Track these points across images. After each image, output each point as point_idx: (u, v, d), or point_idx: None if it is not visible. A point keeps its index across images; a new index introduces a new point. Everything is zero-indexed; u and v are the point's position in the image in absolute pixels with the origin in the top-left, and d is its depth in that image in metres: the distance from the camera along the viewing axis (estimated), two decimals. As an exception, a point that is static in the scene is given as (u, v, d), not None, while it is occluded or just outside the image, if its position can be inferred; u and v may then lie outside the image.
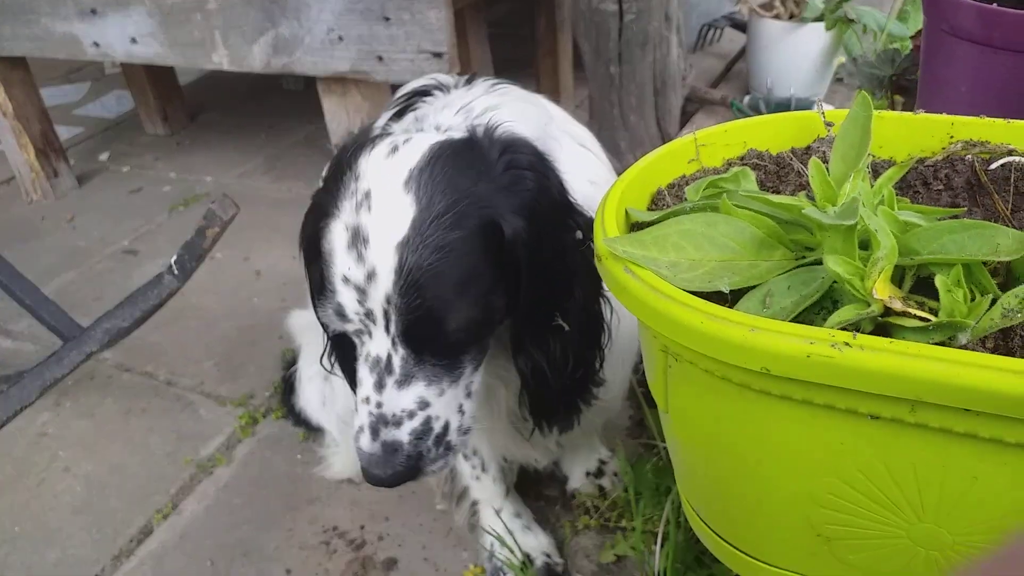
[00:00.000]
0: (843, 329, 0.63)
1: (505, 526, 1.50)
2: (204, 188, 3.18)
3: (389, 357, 0.97)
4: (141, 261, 2.73)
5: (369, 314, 0.95)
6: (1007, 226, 0.77)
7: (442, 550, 1.56)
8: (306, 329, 1.69)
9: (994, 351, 0.64)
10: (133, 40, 2.67)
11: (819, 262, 0.70)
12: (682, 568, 1.33)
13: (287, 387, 1.86)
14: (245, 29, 2.45)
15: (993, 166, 0.82)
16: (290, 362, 1.86)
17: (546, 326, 1.05)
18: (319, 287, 0.99)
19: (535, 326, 1.04)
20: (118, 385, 2.16)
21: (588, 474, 1.62)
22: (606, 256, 0.75)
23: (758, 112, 2.48)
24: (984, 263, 0.68)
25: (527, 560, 1.47)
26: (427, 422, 0.99)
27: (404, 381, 0.98)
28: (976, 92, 1.33)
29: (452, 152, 0.96)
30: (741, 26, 2.88)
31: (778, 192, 0.85)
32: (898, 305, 0.64)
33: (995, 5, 1.33)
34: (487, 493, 1.51)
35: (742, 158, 0.90)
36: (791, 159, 0.86)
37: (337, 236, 0.94)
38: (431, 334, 0.96)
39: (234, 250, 2.66)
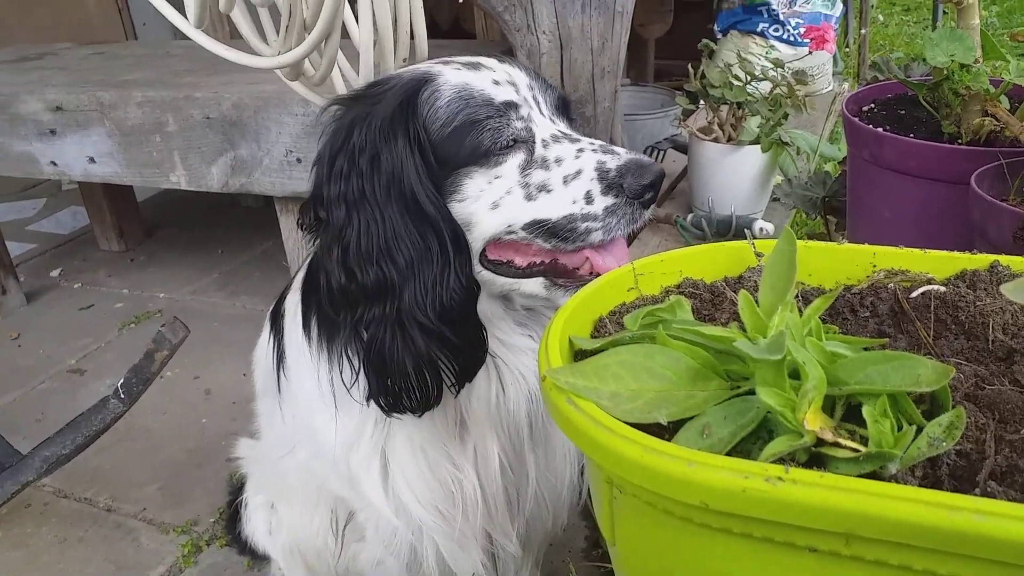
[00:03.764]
0: (778, 460, 0.64)
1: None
2: (157, 305, 3.15)
3: (559, 130, 1.19)
4: (87, 380, 2.67)
5: (525, 101, 1.17)
6: (929, 353, 0.81)
7: None
8: (253, 460, 1.66)
9: (923, 479, 0.66)
10: (91, 160, 2.70)
11: (753, 391, 0.72)
12: None
13: (233, 514, 1.80)
14: (204, 150, 2.50)
15: (914, 294, 0.87)
16: (238, 486, 1.81)
17: None
18: (450, 127, 1.13)
19: None
20: (55, 513, 2.07)
21: None
22: (550, 387, 0.76)
23: (701, 229, 2.57)
24: (908, 392, 0.70)
25: None
26: None
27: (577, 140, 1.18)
28: (898, 217, 1.41)
29: None
30: (683, 148, 3.02)
31: (713, 319, 0.88)
32: (829, 436, 0.66)
33: (912, 136, 1.44)
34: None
35: (678, 286, 0.93)
36: (724, 288, 0.90)
37: (454, 75, 1.16)
38: (568, 104, 1.26)
39: (184, 368, 2.63)
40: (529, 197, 1.13)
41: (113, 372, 2.62)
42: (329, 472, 1.30)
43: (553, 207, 1.12)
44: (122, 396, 1.75)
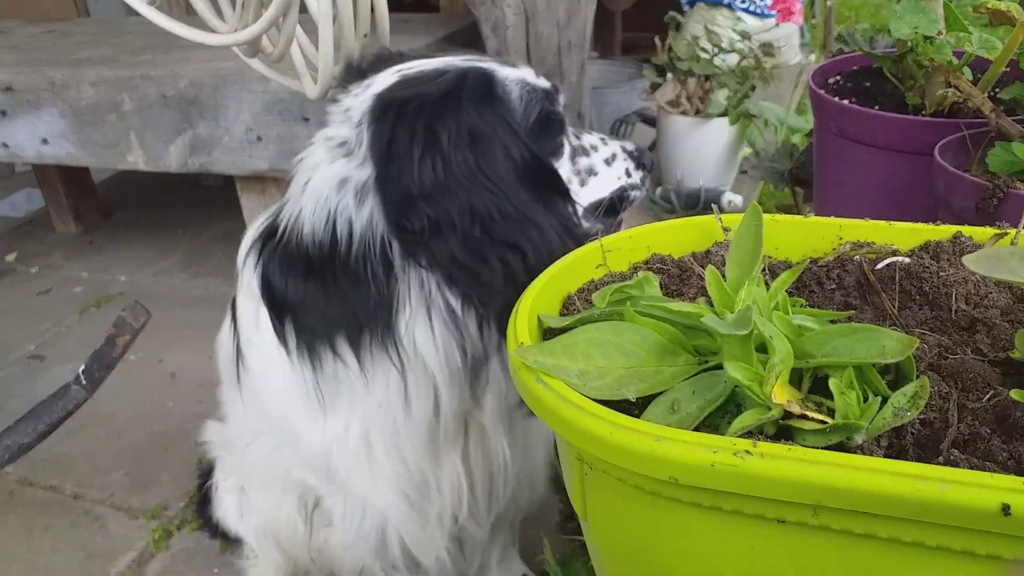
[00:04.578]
0: (746, 433, 0.65)
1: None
2: (118, 288, 3.09)
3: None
4: (48, 367, 2.62)
5: None
6: (894, 324, 0.82)
7: (368, 665, 1.50)
8: (222, 444, 1.64)
9: (888, 449, 0.67)
10: (44, 141, 2.62)
11: (721, 366, 0.72)
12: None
13: (203, 497, 1.78)
14: (162, 130, 2.44)
15: (879, 266, 0.87)
16: (207, 470, 1.79)
17: None
18: (529, 121, 1.11)
19: None
20: (20, 501, 2.03)
21: None
22: (519, 366, 0.75)
23: (670, 202, 2.58)
24: (873, 364, 0.71)
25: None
26: None
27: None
28: (863, 189, 1.42)
29: None
30: (651, 121, 3.01)
31: (681, 295, 0.88)
32: (796, 409, 0.66)
33: (876, 108, 1.44)
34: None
35: (647, 262, 0.93)
36: (692, 263, 0.90)
37: (502, 68, 1.12)
38: None
39: (148, 352, 2.58)
40: (583, 183, 1.23)
41: (74, 357, 2.56)
42: (294, 460, 1.28)
43: (603, 186, 1.24)
44: (84, 382, 1.71)
